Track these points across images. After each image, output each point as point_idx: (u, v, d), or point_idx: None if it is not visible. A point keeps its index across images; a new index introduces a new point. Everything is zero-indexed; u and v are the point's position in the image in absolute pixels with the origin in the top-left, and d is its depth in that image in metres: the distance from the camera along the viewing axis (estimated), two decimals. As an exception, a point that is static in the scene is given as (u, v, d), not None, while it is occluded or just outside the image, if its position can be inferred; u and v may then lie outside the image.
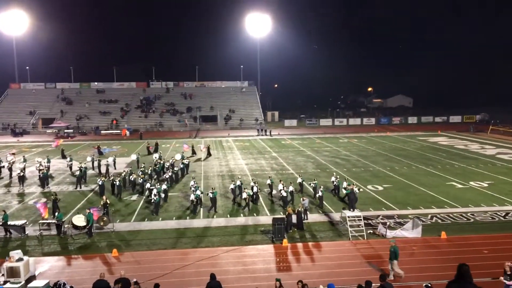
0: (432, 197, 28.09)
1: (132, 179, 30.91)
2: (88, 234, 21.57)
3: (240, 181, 28.88)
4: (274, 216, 22.40)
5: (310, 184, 29.31)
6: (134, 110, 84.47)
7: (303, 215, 22.82)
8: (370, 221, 22.81)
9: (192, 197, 25.61)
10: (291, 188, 27.11)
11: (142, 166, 35.33)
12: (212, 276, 13.91)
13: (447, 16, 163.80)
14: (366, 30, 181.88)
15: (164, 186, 27.89)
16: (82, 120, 78.90)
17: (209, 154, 46.32)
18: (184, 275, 17.28)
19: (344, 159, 43.43)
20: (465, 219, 23.44)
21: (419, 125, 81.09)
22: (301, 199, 24.55)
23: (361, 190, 28.86)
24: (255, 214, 24.96)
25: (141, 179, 30.30)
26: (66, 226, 22.14)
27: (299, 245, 20.28)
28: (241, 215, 24.89)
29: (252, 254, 19.32)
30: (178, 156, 40.75)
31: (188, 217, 24.62)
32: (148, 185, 29.18)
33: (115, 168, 38.17)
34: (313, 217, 24.01)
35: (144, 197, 28.78)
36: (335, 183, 28.60)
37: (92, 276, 16.25)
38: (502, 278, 14.26)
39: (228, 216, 24.78)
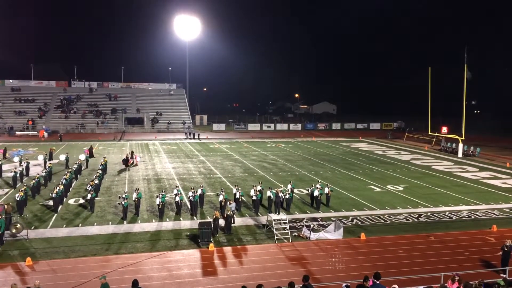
0: (353, 200, 29.38)
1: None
2: (-1, 242, 20.00)
3: (223, 195, 25.58)
4: (200, 221, 22.21)
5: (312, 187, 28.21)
6: (54, 110, 79.96)
7: (230, 219, 22.85)
8: (295, 224, 23.38)
9: (177, 199, 25.11)
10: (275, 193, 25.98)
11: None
12: (134, 283, 13.39)
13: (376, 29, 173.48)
14: (295, 38, 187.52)
15: (136, 193, 25.79)
16: (-6, 119, 73.40)
17: (127, 164, 40.90)
18: (105, 283, 16.53)
19: (271, 163, 44.15)
20: (383, 221, 24.78)
21: (342, 131, 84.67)
22: (228, 202, 24.55)
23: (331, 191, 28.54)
24: (181, 219, 24.57)
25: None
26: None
27: (226, 249, 20.24)
28: (167, 219, 24.38)
29: (178, 259, 18.98)
30: (82, 157, 39.36)
31: (110, 223, 23.64)
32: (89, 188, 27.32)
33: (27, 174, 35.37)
34: (240, 221, 24.11)
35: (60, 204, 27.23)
36: (272, 193, 26.55)
37: (3, 287, 15.07)
38: None
39: (153, 221, 24.15)
